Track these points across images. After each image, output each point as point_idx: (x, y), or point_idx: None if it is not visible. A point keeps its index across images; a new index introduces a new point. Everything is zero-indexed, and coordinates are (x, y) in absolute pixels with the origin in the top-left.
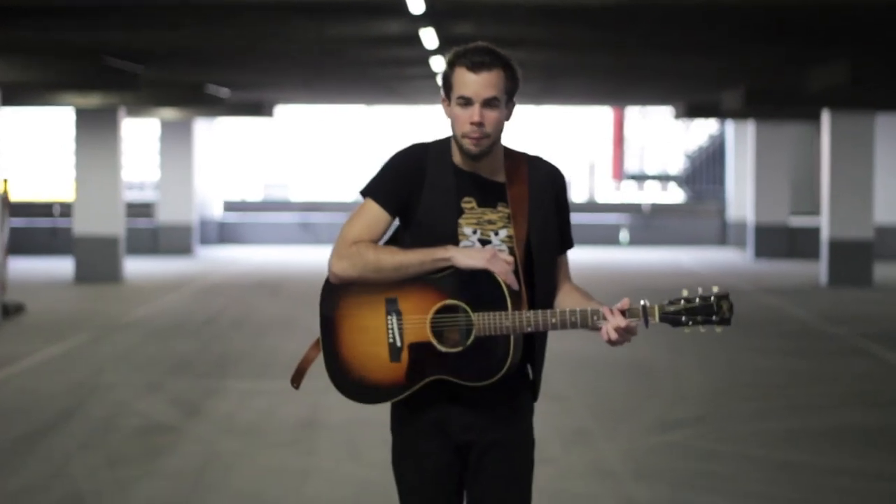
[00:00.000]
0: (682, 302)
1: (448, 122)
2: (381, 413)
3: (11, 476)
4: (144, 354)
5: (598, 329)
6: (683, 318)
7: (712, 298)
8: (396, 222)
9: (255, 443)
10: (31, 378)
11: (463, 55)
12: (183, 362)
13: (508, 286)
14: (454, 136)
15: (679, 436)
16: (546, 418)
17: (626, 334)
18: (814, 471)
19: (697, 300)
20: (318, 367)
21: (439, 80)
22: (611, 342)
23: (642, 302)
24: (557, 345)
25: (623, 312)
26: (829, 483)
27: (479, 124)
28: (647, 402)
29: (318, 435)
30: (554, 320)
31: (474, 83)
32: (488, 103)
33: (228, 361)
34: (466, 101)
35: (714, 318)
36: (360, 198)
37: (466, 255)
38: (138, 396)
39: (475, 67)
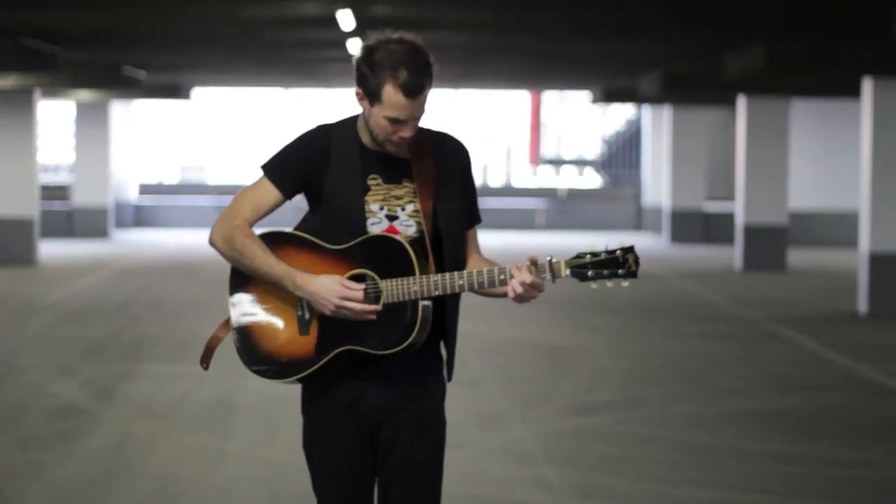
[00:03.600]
0: (588, 256)
1: (362, 111)
2: (295, 394)
3: None
4: (58, 337)
5: (506, 292)
6: (590, 273)
7: (618, 252)
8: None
9: (171, 425)
10: None
11: (396, 71)
12: (98, 345)
13: (415, 250)
14: (371, 132)
15: (592, 419)
16: (460, 402)
17: (531, 290)
18: (725, 453)
19: (603, 254)
20: (234, 350)
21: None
22: (517, 298)
23: (549, 257)
24: (471, 327)
25: (529, 267)
26: (739, 465)
27: (409, 137)
28: (560, 385)
29: (233, 417)
30: (461, 282)
31: (409, 108)
32: (418, 118)
33: (144, 344)
34: (397, 121)
35: (620, 271)
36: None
37: (318, 295)
38: (52, 379)
39: (412, 94)
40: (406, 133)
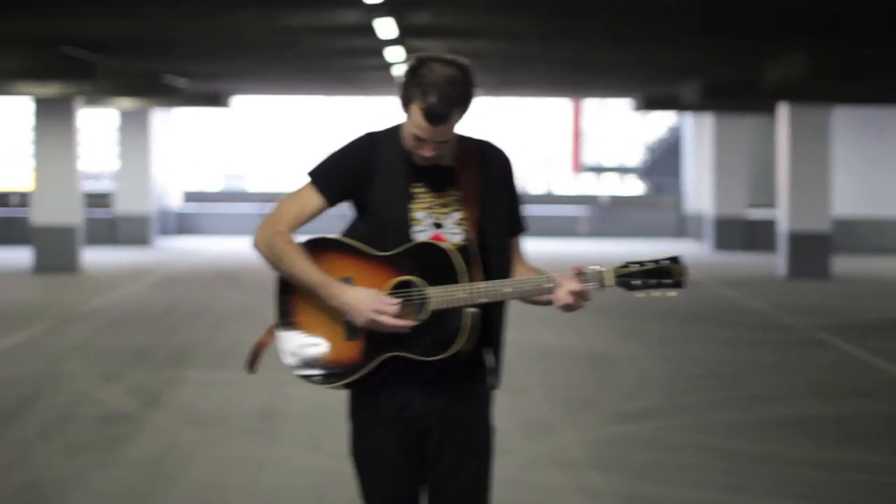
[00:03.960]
0: (635, 266)
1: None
2: (340, 403)
3: None
4: (103, 345)
5: (551, 300)
6: (637, 282)
7: (665, 262)
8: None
9: (215, 433)
10: None
11: (427, 93)
12: (141, 352)
13: (461, 258)
14: (406, 139)
15: (636, 426)
16: (506, 409)
17: (578, 298)
18: (774, 461)
19: (650, 264)
20: (278, 357)
21: (402, 67)
22: (564, 307)
23: (595, 267)
24: (514, 334)
25: (576, 276)
26: (788, 473)
27: (431, 157)
28: (606, 392)
29: (277, 425)
30: (508, 289)
31: (430, 132)
32: (443, 141)
33: (187, 351)
34: (420, 139)
35: (667, 281)
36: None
37: (351, 306)
38: (97, 386)
39: (433, 120)
40: (427, 152)
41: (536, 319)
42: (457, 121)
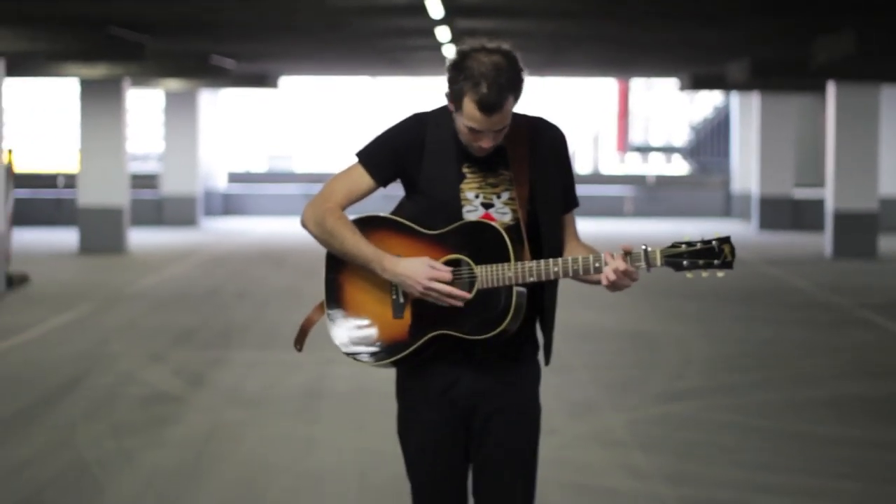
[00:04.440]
0: (684, 246)
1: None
2: (385, 383)
3: (17, 446)
4: (149, 325)
5: (600, 279)
6: (685, 262)
7: (714, 242)
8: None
9: (260, 413)
10: (35, 348)
11: (478, 84)
12: (187, 333)
13: (510, 237)
14: (461, 134)
15: (683, 406)
16: (550, 389)
17: (625, 277)
18: (817, 441)
19: (699, 244)
20: (324, 336)
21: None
22: (611, 285)
23: (644, 246)
24: (560, 315)
25: (624, 256)
26: (832, 452)
27: (490, 148)
28: (651, 372)
29: (323, 405)
30: (556, 269)
31: (485, 122)
32: (499, 130)
33: (233, 332)
34: (476, 131)
35: (716, 261)
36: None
37: (405, 276)
38: (143, 367)
39: (487, 111)
40: (486, 143)
41: (579, 299)
42: (511, 107)
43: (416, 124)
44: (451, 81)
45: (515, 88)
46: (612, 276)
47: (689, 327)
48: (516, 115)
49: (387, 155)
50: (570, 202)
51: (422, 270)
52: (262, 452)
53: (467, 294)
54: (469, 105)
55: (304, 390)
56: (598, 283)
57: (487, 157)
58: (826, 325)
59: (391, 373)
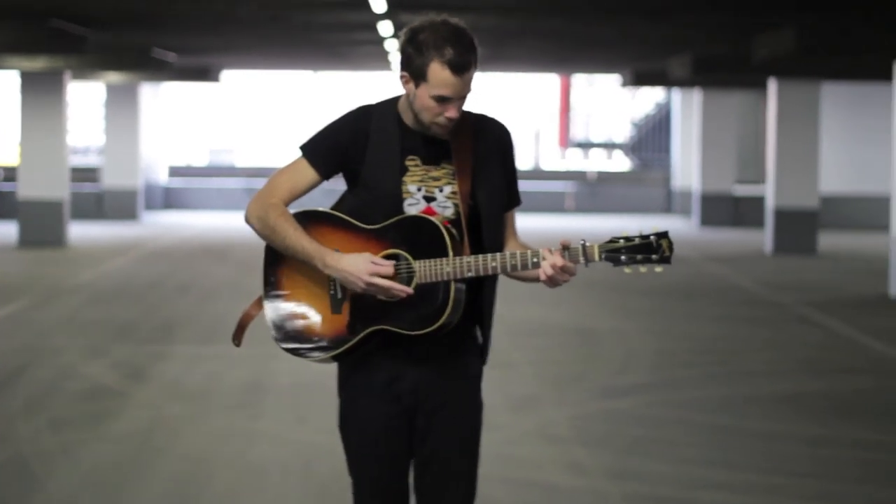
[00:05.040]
0: (622, 241)
1: (404, 92)
2: (327, 377)
3: None
4: (89, 319)
5: (538, 276)
6: (623, 257)
7: (652, 237)
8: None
9: (202, 407)
10: None
11: (442, 49)
12: (128, 327)
13: (449, 232)
14: (417, 115)
15: (624, 402)
16: (493, 384)
17: (563, 273)
18: (756, 436)
19: (637, 239)
20: (265, 331)
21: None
22: (549, 280)
23: (582, 241)
24: (502, 310)
25: (562, 251)
26: (771, 448)
27: (456, 118)
28: (592, 368)
29: (264, 399)
30: (494, 263)
31: (456, 85)
32: (464, 97)
33: (174, 326)
34: (444, 99)
35: (654, 256)
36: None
37: (347, 272)
38: (83, 360)
39: (459, 70)
40: (453, 113)
41: (525, 295)
42: (474, 74)
43: (361, 116)
44: (411, 57)
45: (476, 53)
46: (550, 271)
47: (633, 323)
48: (463, 112)
49: (331, 147)
50: (512, 200)
51: (363, 266)
52: (204, 446)
53: (409, 289)
54: (438, 70)
55: (245, 384)
56: (536, 279)
57: (431, 150)
58: (767, 321)
59: (333, 367)
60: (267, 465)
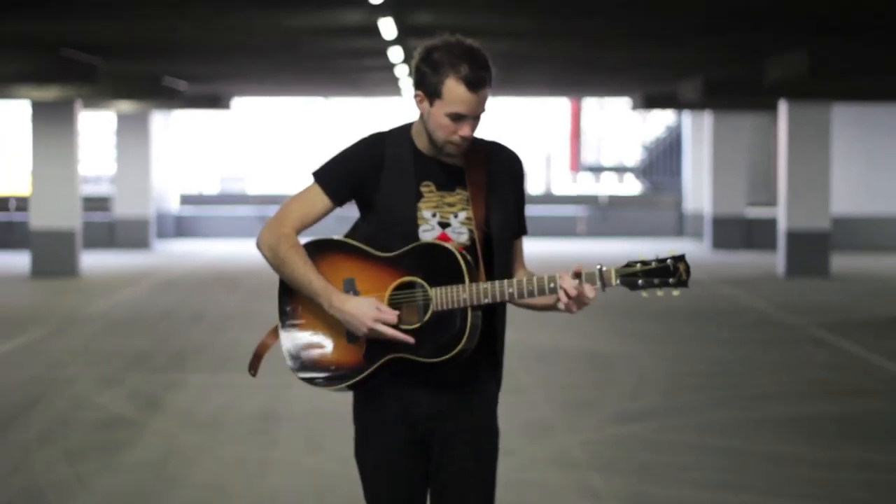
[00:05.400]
0: (639, 265)
1: (418, 113)
2: (341, 406)
3: None
4: (102, 348)
5: (553, 302)
6: (640, 282)
7: (669, 261)
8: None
9: (216, 436)
10: None
11: (458, 66)
12: (141, 356)
13: (465, 258)
14: (431, 135)
15: (638, 426)
16: (506, 410)
17: (582, 300)
18: (771, 460)
19: (654, 263)
20: (279, 360)
21: (404, 69)
22: (569, 303)
23: (599, 266)
24: (513, 335)
25: (579, 276)
26: (787, 472)
27: (470, 137)
28: (605, 393)
29: (278, 428)
30: (511, 290)
31: (472, 102)
32: (478, 116)
33: (187, 355)
34: (459, 117)
35: (671, 280)
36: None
37: (351, 316)
38: (97, 390)
39: (474, 87)
40: (467, 131)
41: (535, 320)
42: (488, 93)
43: (375, 143)
44: (425, 76)
45: (490, 71)
46: (574, 292)
47: (644, 347)
48: (476, 139)
49: (344, 174)
50: (521, 228)
51: (368, 312)
52: (218, 475)
53: (411, 339)
54: (453, 87)
55: (259, 413)
56: (547, 307)
57: (445, 176)
58: (781, 343)
59: (347, 395)
60: (281, 494)
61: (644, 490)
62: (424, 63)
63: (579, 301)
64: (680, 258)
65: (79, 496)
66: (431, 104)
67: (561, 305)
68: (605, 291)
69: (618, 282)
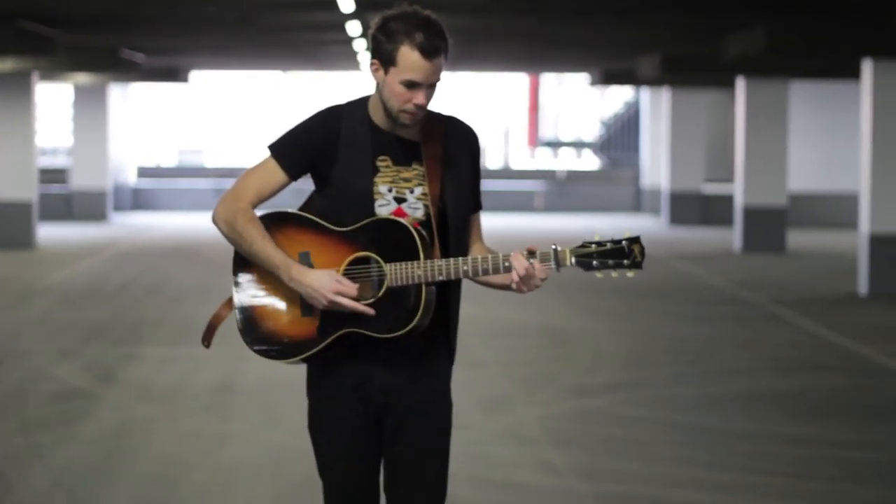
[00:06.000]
0: (594, 246)
1: (374, 83)
2: (297, 378)
3: None
4: (58, 321)
5: (507, 283)
6: (595, 262)
7: (624, 242)
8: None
9: (172, 408)
10: None
11: (412, 33)
12: (98, 328)
13: (420, 235)
14: (386, 104)
15: (595, 401)
16: (463, 385)
17: (535, 279)
18: (727, 435)
19: (609, 244)
20: (234, 332)
21: (363, 43)
22: (520, 283)
23: (553, 246)
24: (473, 310)
25: (533, 255)
26: (742, 447)
27: (424, 106)
28: (563, 368)
29: (234, 400)
30: (465, 267)
31: (426, 69)
32: (432, 85)
33: (144, 327)
34: (413, 84)
35: (625, 261)
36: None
37: (311, 288)
38: (53, 362)
39: (429, 54)
40: (421, 99)
41: (495, 295)
42: (443, 62)
43: (331, 116)
44: (380, 44)
45: (446, 41)
46: (523, 272)
47: (603, 323)
48: (431, 113)
49: (300, 148)
50: (476, 204)
51: (328, 284)
52: (174, 448)
53: (371, 311)
54: (407, 54)
55: (215, 386)
56: (503, 286)
57: (402, 151)
58: (738, 319)
59: (302, 368)
60: (237, 467)
61: (602, 464)
62: (380, 31)
63: (528, 282)
64: (635, 240)
65: (35, 468)
66: (386, 72)
67: (512, 285)
68: (559, 272)
69: (572, 262)
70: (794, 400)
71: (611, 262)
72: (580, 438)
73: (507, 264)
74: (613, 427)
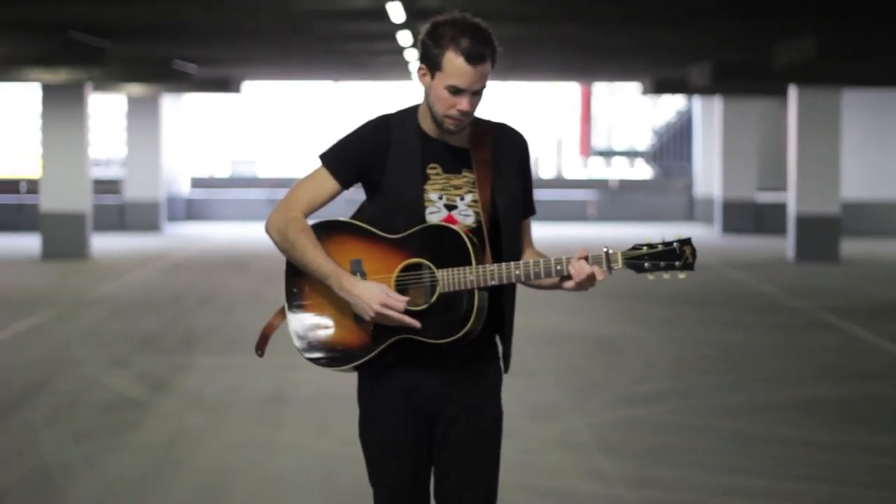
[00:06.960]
0: (645, 248)
1: (422, 89)
2: (348, 387)
3: None
4: (111, 330)
5: (560, 283)
6: (646, 264)
7: (675, 244)
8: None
9: (223, 417)
10: None
11: (458, 39)
12: (150, 338)
13: (472, 240)
14: (431, 109)
15: (645, 409)
16: (513, 392)
17: (588, 280)
18: (778, 443)
19: (660, 246)
20: (286, 341)
21: (414, 53)
22: (574, 288)
23: (605, 249)
24: (522, 318)
25: (586, 258)
26: (796, 455)
27: (468, 112)
28: (613, 376)
29: (285, 409)
30: (518, 272)
31: (470, 75)
32: (478, 92)
33: (196, 337)
34: (457, 90)
35: (677, 263)
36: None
37: (360, 299)
38: (105, 372)
39: (473, 60)
40: (465, 105)
41: (544, 303)
42: (490, 69)
43: (381, 125)
44: (428, 48)
45: (493, 49)
46: (577, 278)
47: (653, 331)
48: (481, 120)
49: (351, 156)
50: (528, 209)
51: (376, 297)
52: (225, 457)
53: (417, 324)
54: (452, 59)
55: (266, 394)
56: (557, 287)
57: (451, 158)
58: (790, 328)
59: (354, 376)
60: (288, 475)
61: (651, 473)
62: (428, 36)
63: (586, 283)
64: (686, 241)
65: (86, 477)
66: (433, 77)
67: (570, 284)
68: (611, 274)
69: (624, 264)
70: (842, 408)
71: (662, 263)
72: (629, 446)
73: (559, 267)
74: (662, 435)
